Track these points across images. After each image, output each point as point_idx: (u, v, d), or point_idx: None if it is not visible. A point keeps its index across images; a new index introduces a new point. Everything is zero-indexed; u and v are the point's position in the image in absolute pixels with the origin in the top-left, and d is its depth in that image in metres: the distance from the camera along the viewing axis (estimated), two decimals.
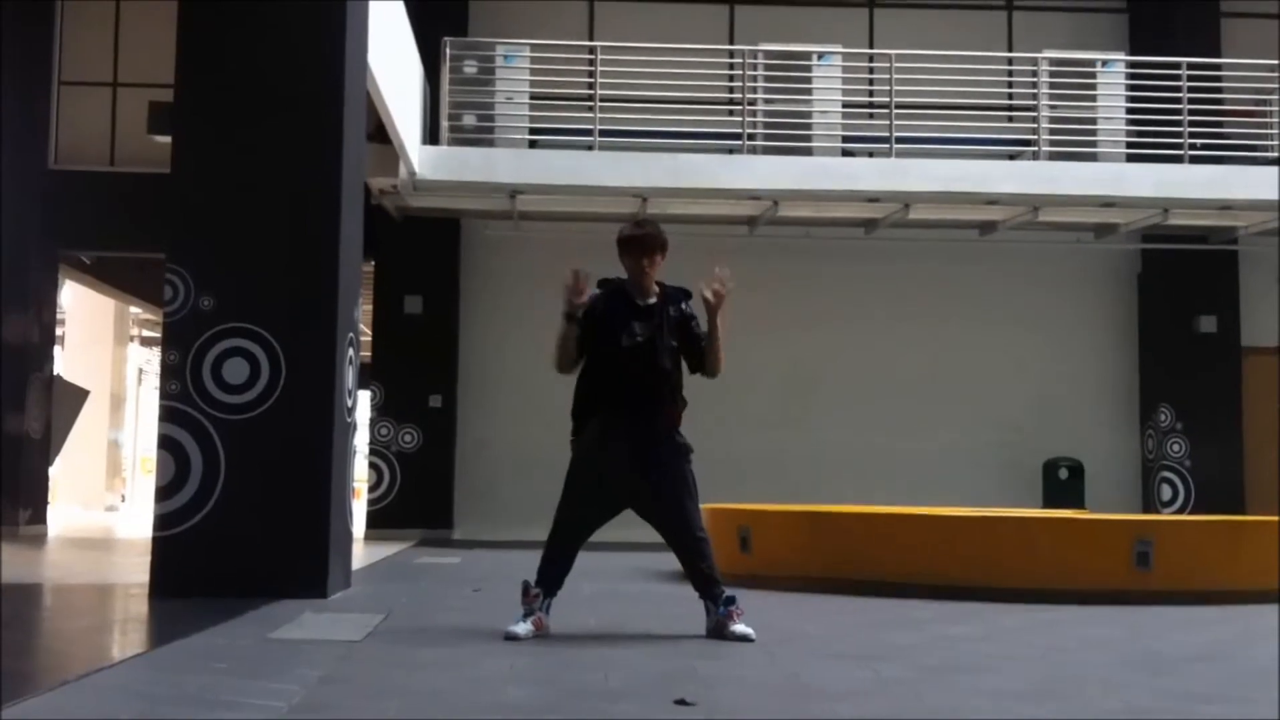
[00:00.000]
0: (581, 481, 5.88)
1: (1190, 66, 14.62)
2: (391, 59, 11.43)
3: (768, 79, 14.70)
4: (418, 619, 6.48)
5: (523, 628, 5.62)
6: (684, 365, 6.02)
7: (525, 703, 4.11)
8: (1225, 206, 14.78)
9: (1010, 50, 16.54)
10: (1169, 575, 7.97)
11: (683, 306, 5.97)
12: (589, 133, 14.07)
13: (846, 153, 14.72)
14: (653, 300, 5.93)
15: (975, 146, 15.02)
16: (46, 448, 15.83)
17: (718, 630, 5.70)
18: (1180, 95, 14.49)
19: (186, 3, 7.69)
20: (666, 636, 5.86)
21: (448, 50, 14.13)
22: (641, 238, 5.95)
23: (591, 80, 14.25)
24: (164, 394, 7.40)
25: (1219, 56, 15.83)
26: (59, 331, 18.62)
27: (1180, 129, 14.46)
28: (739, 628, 5.63)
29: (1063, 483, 15.73)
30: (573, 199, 14.53)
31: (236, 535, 7.24)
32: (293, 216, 7.55)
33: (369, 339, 16.10)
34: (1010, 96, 16.29)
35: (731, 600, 5.74)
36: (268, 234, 7.53)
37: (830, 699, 4.25)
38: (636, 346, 5.80)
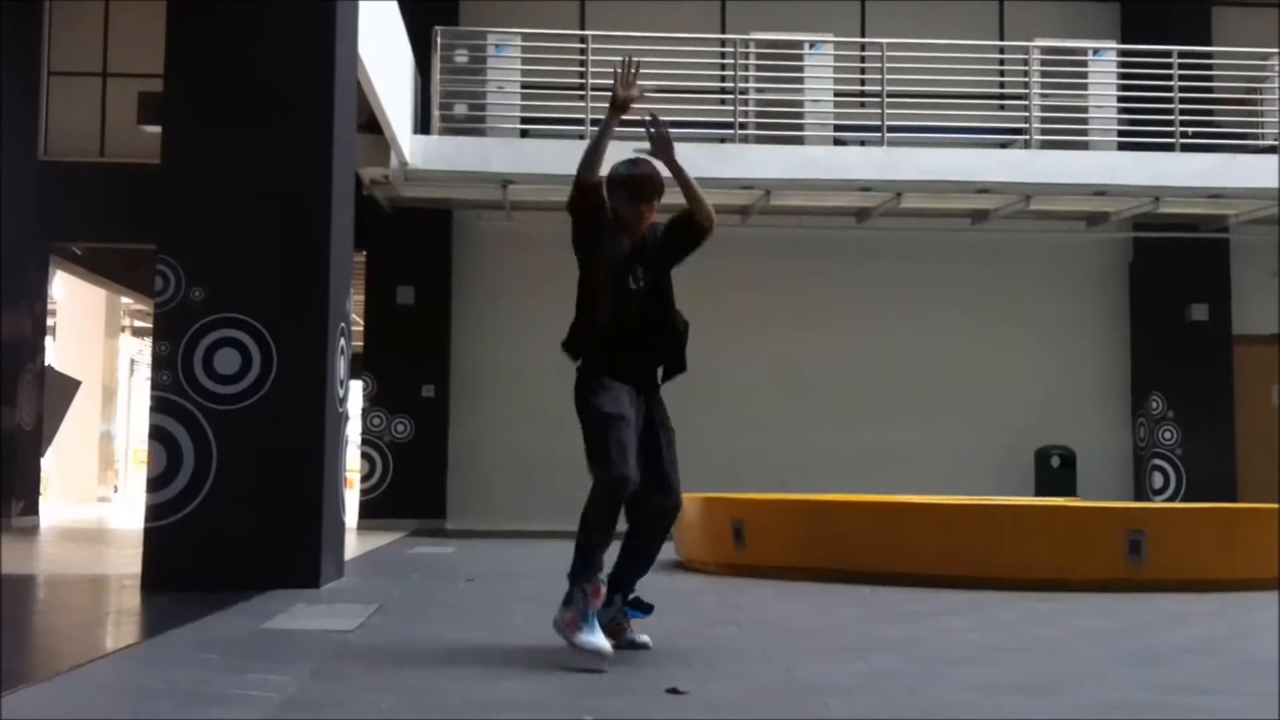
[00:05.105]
0: (616, 400, 4.93)
1: (1181, 55, 14.64)
2: (382, 49, 11.39)
3: (759, 68, 14.69)
4: (411, 610, 6.47)
5: (604, 642, 4.74)
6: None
7: (519, 695, 4.10)
8: (1216, 195, 14.79)
9: (1001, 39, 16.55)
10: (1162, 565, 7.97)
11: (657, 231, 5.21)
12: (581, 122, 14.05)
13: (838, 142, 14.72)
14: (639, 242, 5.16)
15: (967, 136, 15.03)
16: (38, 439, 15.80)
17: (616, 630, 5.03)
18: (1171, 84, 14.50)
19: None
20: (659, 630, 5.85)
21: (439, 40, 14.11)
22: (640, 180, 5.12)
23: (583, 69, 14.23)
24: (155, 385, 7.38)
25: (1210, 45, 15.85)
26: (50, 323, 18.58)
27: (1171, 118, 14.47)
28: (642, 637, 5.06)
29: (1055, 471, 15.75)
30: (565, 189, 14.40)
31: (229, 526, 7.23)
32: (284, 207, 7.53)
33: (361, 329, 16.07)
34: (1002, 85, 16.29)
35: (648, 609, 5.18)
36: (259, 225, 7.50)
37: (823, 691, 4.24)
38: (641, 293, 5.06)
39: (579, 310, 5.12)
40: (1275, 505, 8.83)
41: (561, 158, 13.85)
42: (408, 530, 14.27)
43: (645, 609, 5.19)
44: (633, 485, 4.80)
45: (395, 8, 12.44)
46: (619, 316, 5.03)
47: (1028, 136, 14.58)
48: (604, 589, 4.82)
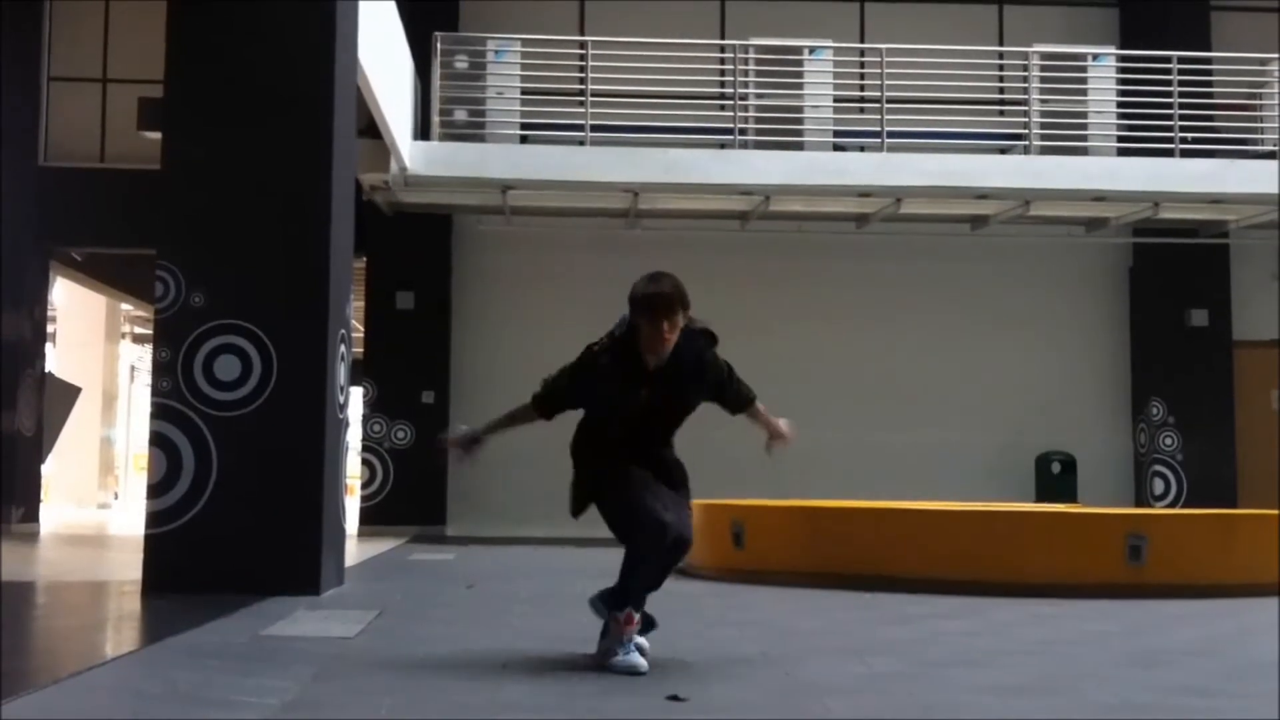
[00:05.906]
0: (627, 470, 4.96)
1: (1181, 60, 14.64)
2: (382, 54, 11.40)
3: (759, 73, 14.69)
4: (411, 616, 6.47)
5: (639, 659, 4.72)
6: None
7: (519, 700, 4.10)
8: (1216, 200, 14.80)
9: (1001, 44, 16.56)
10: (1162, 569, 7.98)
11: (702, 355, 5.12)
12: (580, 128, 14.06)
13: (838, 147, 14.72)
14: (665, 358, 4.95)
15: (966, 141, 15.03)
16: (39, 445, 15.80)
17: (606, 653, 4.87)
18: (1171, 89, 14.50)
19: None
20: (661, 632, 5.84)
21: (439, 45, 14.12)
22: (661, 297, 4.85)
23: (583, 75, 14.24)
24: (156, 391, 7.39)
25: (1209, 50, 15.86)
26: (50, 329, 18.59)
27: (1171, 123, 14.47)
28: (634, 659, 4.72)
29: (1055, 477, 15.74)
30: (564, 194, 14.52)
31: (229, 532, 7.23)
32: (284, 212, 7.53)
33: (361, 335, 16.08)
34: (1001, 91, 16.30)
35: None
36: (259, 230, 7.50)
37: (823, 694, 4.25)
38: (640, 412, 4.99)
39: (581, 431, 5.19)
40: (1274, 510, 8.84)
41: (561, 163, 13.90)
42: (408, 537, 14.26)
43: (649, 625, 5.09)
44: (674, 531, 4.78)
45: (395, 13, 12.46)
46: (614, 434, 5.03)
47: (1027, 141, 14.59)
48: (637, 617, 4.82)
